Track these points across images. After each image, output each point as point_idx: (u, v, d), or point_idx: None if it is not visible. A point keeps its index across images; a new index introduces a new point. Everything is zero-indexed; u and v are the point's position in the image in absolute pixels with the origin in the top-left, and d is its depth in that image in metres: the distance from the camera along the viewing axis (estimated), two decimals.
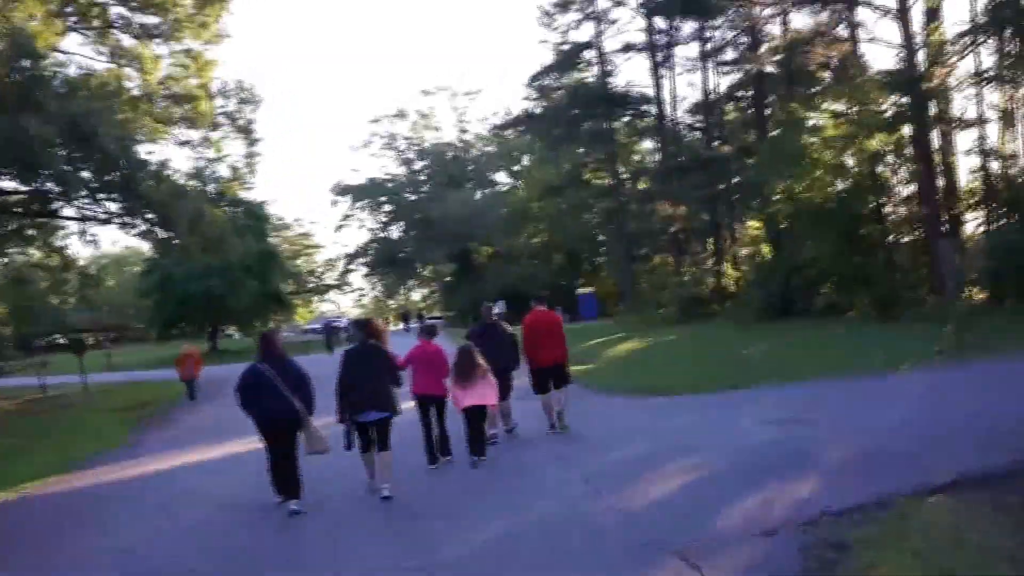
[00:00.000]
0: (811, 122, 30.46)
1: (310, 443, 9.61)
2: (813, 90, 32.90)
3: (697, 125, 42.92)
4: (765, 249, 36.23)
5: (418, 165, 77.19)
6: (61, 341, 38.67)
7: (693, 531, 7.39)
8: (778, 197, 30.50)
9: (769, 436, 11.11)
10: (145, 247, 54.78)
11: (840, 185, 28.07)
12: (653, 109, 41.85)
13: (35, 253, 36.75)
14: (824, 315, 27.74)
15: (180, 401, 25.80)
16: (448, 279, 78.57)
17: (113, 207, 29.06)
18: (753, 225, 39.03)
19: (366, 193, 75.28)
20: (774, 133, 32.99)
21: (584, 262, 65.95)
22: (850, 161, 27.95)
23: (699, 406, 14.80)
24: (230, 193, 37.68)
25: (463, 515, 8.98)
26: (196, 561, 8.30)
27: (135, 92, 31.49)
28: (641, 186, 46.43)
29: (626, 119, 45.96)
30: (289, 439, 9.61)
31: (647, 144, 54.03)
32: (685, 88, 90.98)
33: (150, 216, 28.49)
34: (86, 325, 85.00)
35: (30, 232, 32.55)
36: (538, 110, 46.60)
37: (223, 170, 37.27)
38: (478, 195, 73.11)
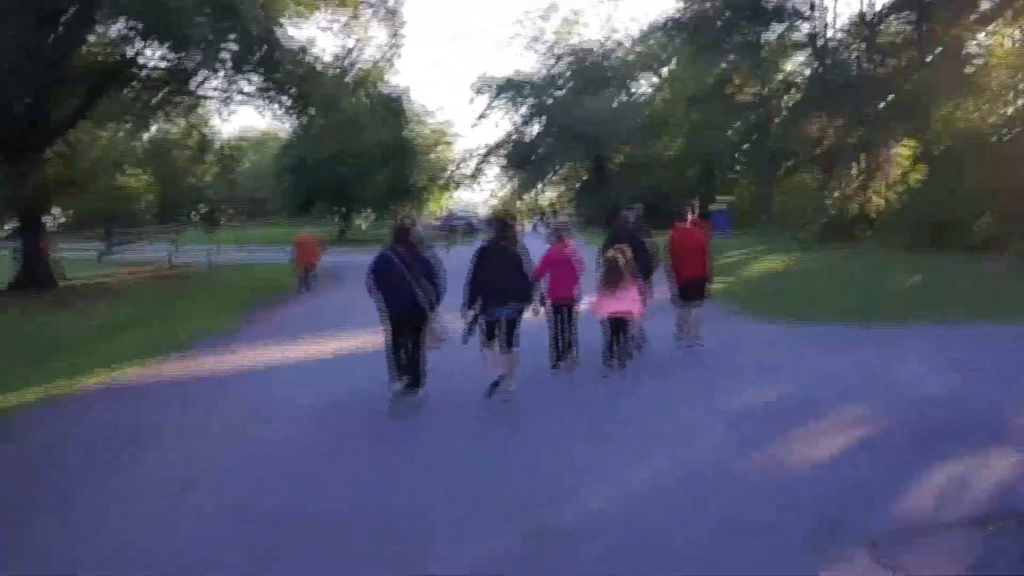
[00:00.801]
0: (974, 44, 28.27)
1: (428, 336, 9.67)
2: (981, 9, 30.42)
3: (852, 43, 40.30)
4: (916, 175, 34.11)
5: (561, 65, 75.27)
6: (199, 215, 39.15)
7: (875, 514, 5.90)
8: (938, 120, 28.40)
9: (947, 386, 9.70)
10: (283, 128, 55.51)
11: (1008, 111, 25.92)
12: (809, 19, 39.30)
13: (176, 128, 37.10)
14: (981, 249, 25.55)
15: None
16: (580, 183, 77.23)
17: (251, 86, 28.93)
18: (904, 150, 36.76)
19: (507, 89, 73.88)
20: (937, 52, 30.74)
21: (719, 176, 63.81)
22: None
23: (853, 340, 13.47)
24: (373, 79, 36.93)
25: (591, 455, 7.84)
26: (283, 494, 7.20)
27: None
28: (789, 101, 44.05)
29: (778, 31, 43.34)
30: (414, 328, 9.62)
31: (795, 59, 51.49)
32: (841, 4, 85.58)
33: (286, 96, 28.23)
34: (223, 201, 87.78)
35: (171, 106, 32.65)
36: (688, 15, 44.36)
37: (368, 55, 36.62)
38: (616, 101, 70.98)
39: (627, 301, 10.78)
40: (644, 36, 66.91)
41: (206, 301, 22.56)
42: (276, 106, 29.40)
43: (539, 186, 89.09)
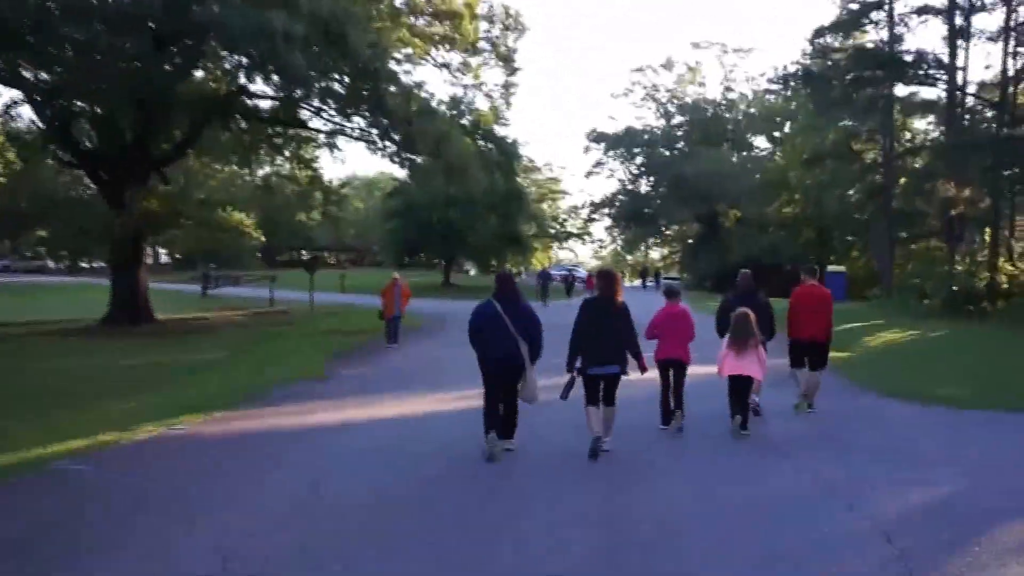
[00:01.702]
0: None
1: (524, 391, 9.56)
2: None
3: (987, 102, 37.89)
4: None
5: (677, 120, 73.89)
6: (302, 257, 38.45)
7: None
8: None
9: None
10: (395, 172, 55.02)
11: None
12: (943, 78, 37.01)
13: (284, 165, 36.53)
14: None
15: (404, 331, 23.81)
16: (691, 241, 75.31)
17: (360, 121, 28.06)
18: None
19: (620, 143, 72.86)
20: None
21: (835, 239, 61.30)
22: None
23: (1011, 429, 11.56)
24: (484, 124, 35.86)
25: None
26: None
27: (396, 2, 30.02)
28: (916, 163, 41.93)
29: (909, 89, 41.17)
30: (511, 380, 9.53)
31: (920, 123, 49.89)
32: (978, 63, 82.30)
33: (396, 135, 27.25)
34: (328, 244, 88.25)
35: (279, 141, 32.04)
36: (816, 67, 42.41)
37: (479, 101, 35.69)
38: (734, 158, 69.18)
39: (753, 361, 10.59)
40: (763, 93, 65.31)
41: (299, 345, 21.36)
42: (383, 146, 28.45)
43: (648, 242, 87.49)
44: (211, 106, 26.96)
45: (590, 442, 9.40)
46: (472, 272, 78.09)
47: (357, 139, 29.61)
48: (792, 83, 47.28)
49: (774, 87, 58.42)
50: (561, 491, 8.13)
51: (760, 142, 73.61)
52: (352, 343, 22.06)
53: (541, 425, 10.72)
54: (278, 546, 6.47)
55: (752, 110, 71.85)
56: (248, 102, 28.53)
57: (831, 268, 48.76)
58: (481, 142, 51.60)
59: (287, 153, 33.12)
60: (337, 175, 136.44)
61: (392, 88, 25.78)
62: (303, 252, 41.37)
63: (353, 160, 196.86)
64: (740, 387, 10.68)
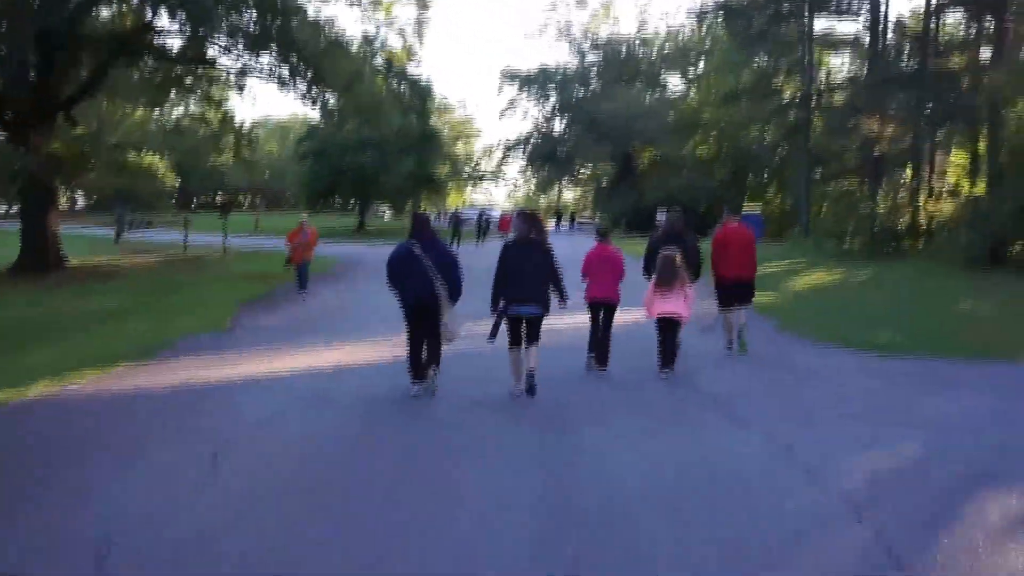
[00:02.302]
0: None
1: (442, 330, 9.45)
2: None
3: (908, 37, 37.47)
4: (979, 185, 31.50)
5: (591, 58, 72.83)
6: (217, 201, 36.91)
7: None
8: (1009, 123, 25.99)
9: None
10: (309, 114, 53.44)
11: None
12: (866, 8, 36.43)
13: (193, 106, 34.88)
14: None
15: (315, 276, 22.71)
16: (605, 182, 74.84)
17: (269, 59, 26.71)
18: (960, 155, 34.08)
19: (534, 82, 71.55)
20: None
21: (750, 179, 61.39)
22: None
23: (958, 381, 10.88)
24: (397, 63, 34.50)
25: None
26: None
27: None
28: (833, 101, 41.34)
29: (830, 23, 40.68)
30: (431, 320, 9.42)
31: (836, 60, 49.36)
32: None
33: (305, 72, 26.02)
34: (243, 187, 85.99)
35: (188, 81, 30.47)
36: (734, 2, 41.64)
37: (392, 39, 34.30)
38: (647, 98, 68.59)
39: (679, 302, 10.46)
40: (678, 30, 64.66)
41: (208, 292, 20.26)
42: (294, 85, 27.15)
43: (562, 183, 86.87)
44: (117, 44, 25.31)
45: (512, 385, 9.51)
46: (387, 216, 76.82)
47: (268, 78, 28.29)
48: (710, 17, 46.29)
49: (691, 22, 57.73)
50: (491, 452, 7.54)
51: (674, 81, 72.95)
52: (263, 290, 20.88)
53: (464, 373, 10.39)
54: (175, 527, 5.48)
55: (666, 48, 71.23)
56: (155, 40, 26.87)
57: (747, 209, 48.38)
58: (394, 82, 50.51)
59: (197, 93, 31.51)
60: (250, 117, 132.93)
61: (299, 23, 24.60)
62: (218, 195, 39.68)
63: (268, 102, 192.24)
64: (667, 327, 10.57)
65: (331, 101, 27.94)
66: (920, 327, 14.94)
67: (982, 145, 31.56)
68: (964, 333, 14.31)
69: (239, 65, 27.96)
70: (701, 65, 66.99)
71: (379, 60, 32.52)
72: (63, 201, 67.51)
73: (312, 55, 24.93)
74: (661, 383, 10.38)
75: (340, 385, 10.12)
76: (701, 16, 48.83)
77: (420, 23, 32.11)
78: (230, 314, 16.30)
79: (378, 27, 32.00)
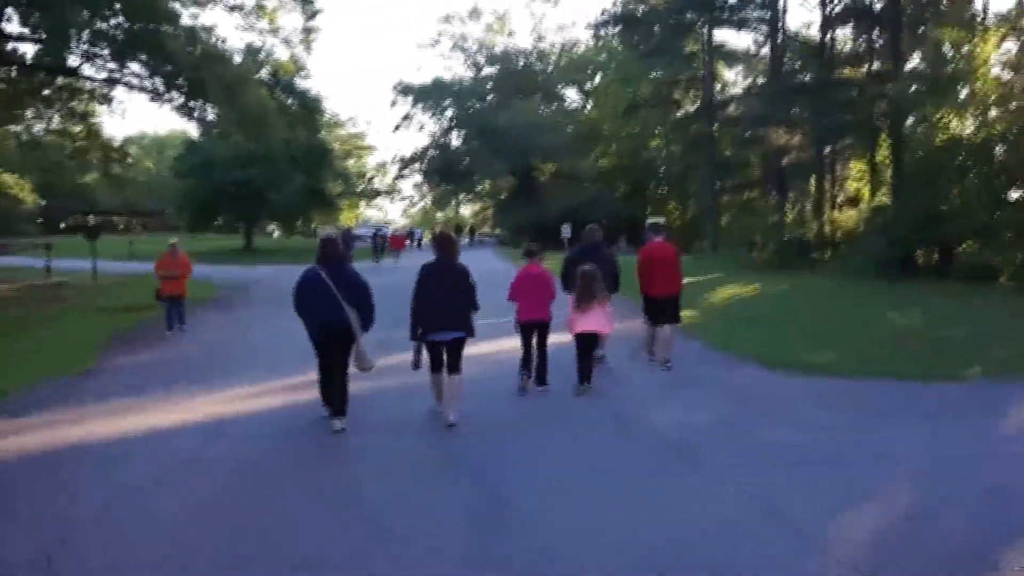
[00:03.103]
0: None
1: (357, 359, 9.17)
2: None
3: (808, 48, 37.56)
4: (880, 195, 31.27)
5: (487, 71, 71.81)
6: (87, 223, 34.35)
7: None
8: (919, 130, 25.92)
9: None
10: (189, 129, 51.00)
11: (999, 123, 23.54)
12: (765, 19, 36.21)
13: (56, 120, 32.47)
14: (966, 278, 22.72)
15: (193, 304, 20.50)
16: (504, 196, 73.87)
17: (138, 68, 24.78)
18: (859, 166, 33.98)
19: (429, 95, 69.98)
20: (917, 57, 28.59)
21: (650, 191, 61.04)
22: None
23: (919, 408, 9.89)
24: (284, 74, 32.64)
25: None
26: None
27: None
28: (732, 112, 41.03)
29: (727, 34, 40.68)
30: (340, 351, 9.12)
31: (729, 74, 49.59)
32: (796, 11, 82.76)
33: (180, 82, 24.18)
34: (117, 208, 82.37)
35: (47, 92, 28.21)
36: (640, 11, 41.05)
37: (278, 50, 32.54)
38: (545, 111, 67.67)
39: (600, 318, 10.58)
40: (574, 43, 64.05)
41: (67, 328, 18.17)
42: (168, 96, 25.31)
43: (459, 198, 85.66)
44: None
45: (435, 403, 9.53)
46: (276, 234, 74.43)
47: (139, 89, 26.33)
48: (610, 28, 45.55)
49: (589, 33, 57.32)
50: (414, 498, 6.83)
51: (572, 94, 72.45)
52: (135, 320, 18.93)
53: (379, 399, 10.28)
54: None
55: (563, 61, 70.66)
56: (5, 46, 24.65)
57: (650, 221, 47.83)
58: (282, 95, 48.69)
59: (57, 106, 29.20)
60: (123, 132, 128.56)
61: (172, 29, 22.78)
62: (88, 217, 37.22)
63: (143, 117, 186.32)
64: (587, 344, 10.70)
65: (210, 114, 26.15)
66: (855, 344, 14.06)
67: (882, 154, 31.50)
68: (902, 350, 13.41)
69: (104, 75, 26.08)
70: (598, 78, 66.49)
71: (265, 72, 30.90)
72: None
73: (188, 65, 23.13)
74: (601, 423, 9.37)
75: (221, 443, 8.66)
76: (598, 27, 47.91)
77: (307, 32, 30.42)
78: (93, 355, 14.42)
79: (262, 35, 30.33)
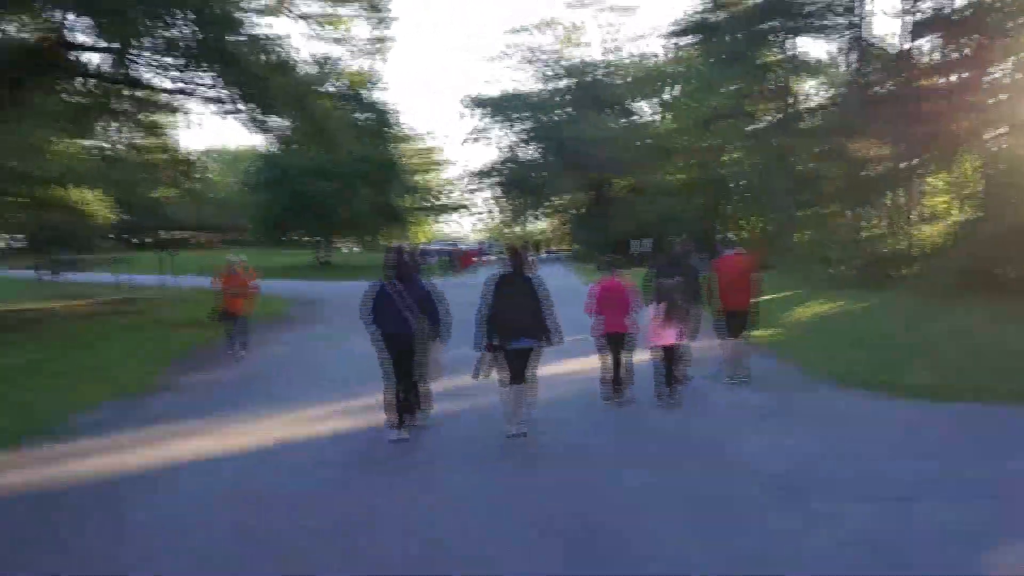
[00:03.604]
0: None
1: (427, 369, 9.55)
2: None
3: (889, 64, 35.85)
4: (967, 208, 29.77)
5: (560, 84, 70.80)
6: (161, 238, 34.19)
7: None
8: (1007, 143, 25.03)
9: None
10: (258, 142, 50.73)
11: None
12: (849, 25, 34.52)
13: (128, 134, 32.24)
14: None
15: (261, 323, 20.24)
16: (577, 211, 72.88)
17: (208, 78, 24.31)
18: (942, 178, 32.20)
19: (501, 107, 69.38)
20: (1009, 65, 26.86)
21: (724, 205, 59.44)
22: None
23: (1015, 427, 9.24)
24: (356, 86, 32.04)
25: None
26: None
27: None
28: (817, 124, 39.16)
29: (806, 42, 38.94)
30: (407, 359, 9.41)
31: (810, 83, 47.34)
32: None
33: (248, 93, 23.64)
34: (190, 223, 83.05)
35: (117, 105, 27.89)
36: (718, 18, 39.61)
37: (349, 59, 31.87)
38: (619, 124, 66.78)
39: (681, 331, 10.86)
40: (648, 56, 62.76)
41: (133, 344, 17.80)
42: (237, 108, 24.83)
43: (532, 213, 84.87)
44: (24, 61, 22.82)
45: (506, 428, 9.34)
46: (353, 249, 74.13)
47: (208, 100, 25.94)
48: (685, 37, 44.02)
49: (667, 42, 55.64)
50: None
51: (645, 107, 70.86)
52: (201, 337, 18.64)
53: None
54: None
55: (637, 74, 69.21)
56: (73, 56, 24.33)
57: (723, 236, 46.29)
58: (354, 107, 48.33)
59: (129, 118, 28.89)
60: (201, 146, 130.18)
61: (242, 38, 22.32)
62: (162, 233, 37.12)
63: (216, 131, 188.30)
64: (667, 356, 10.86)
65: (279, 125, 25.62)
66: (958, 364, 13.12)
67: (967, 167, 30.08)
68: (1006, 371, 12.31)
69: (174, 86, 25.70)
70: (676, 90, 65.01)
71: (335, 84, 30.37)
72: None
73: (258, 76, 22.61)
74: (697, 452, 8.83)
75: (281, 470, 8.32)
76: (673, 36, 46.16)
77: (379, 41, 29.67)
78: (155, 373, 14.09)
79: (334, 46, 29.74)
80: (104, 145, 33.40)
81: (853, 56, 34.78)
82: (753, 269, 12.68)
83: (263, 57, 23.04)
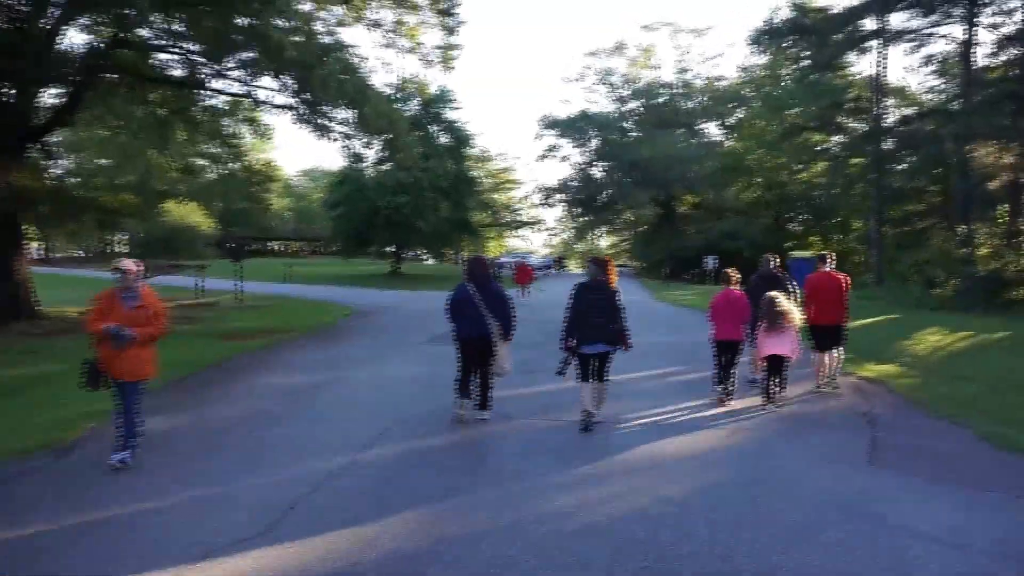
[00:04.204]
0: None
1: (496, 365, 9.45)
2: None
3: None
4: None
5: (631, 105, 67.12)
6: (229, 245, 32.12)
7: None
8: None
9: None
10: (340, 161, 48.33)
11: None
12: (956, 19, 28.70)
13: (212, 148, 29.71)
14: None
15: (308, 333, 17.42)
16: (644, 227, 69.28)
17: (272, 82, 21.47)
18: None
19: (574, 127, 65.79)
20: None
21: (793, 222, 55.36)
22: None
23: None
24: (422, 93, 29.32)
25: None
26: None
27: None
28: (908, 129, 32.77)
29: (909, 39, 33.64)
30: (483, 357, 9.43)
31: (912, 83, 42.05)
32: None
33: (298, 86, 20.73)
34: (288, 235, 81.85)
35: (196, 114, 25.26)
36: (810, 18, 34.52)
37: (417, 68, 28.99)
38: (688, 142, 62.39)
39: (788, 342, 10.10)
40: (717, 79, 59.07)
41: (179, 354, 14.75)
42: (302, 108, 22.05)
43: (600, 230, 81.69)
44: (88, 63, 20.17)
45: (581, 416, 9.08)
46: (429, 261, 71.68)
47: (278, 108, 23.14)
48: (783, 36, 37.37)
49: (735, 67, 51.55)
50: None
51: (713, 129, 66.58)
52: (236, 350, 15.62)
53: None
54: None
55: (703, 97, 65.31)
56: (130, 54, 21.55)
57: (797, 254, 41.66)
58: (431, 124, 45.62)
59: (202, 126, 26.16)
60: (296, 167, 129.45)
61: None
62: (231, 242, 35.26)
63: (316, 153, 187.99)
64: (775, 365, 10.24)
65: (342, 122, 22.67)
66: None
67: None
68: None
69: (238, 89, 22.98)
70: (741, 113, 61.03)
71: (412, 101, 27.40)
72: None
73: (299, 67, 19.72)
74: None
75: None
76: (758, 38, 38.50)
77: (448, 47, 26.41)
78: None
79: (403, 56, 26.80)
80: (186, 157, 31.12)
81: (976, 51, 28.70)
82: (846, 287, 11.67)
83: (314, 52, 20.14)
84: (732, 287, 10.81)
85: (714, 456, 7.89)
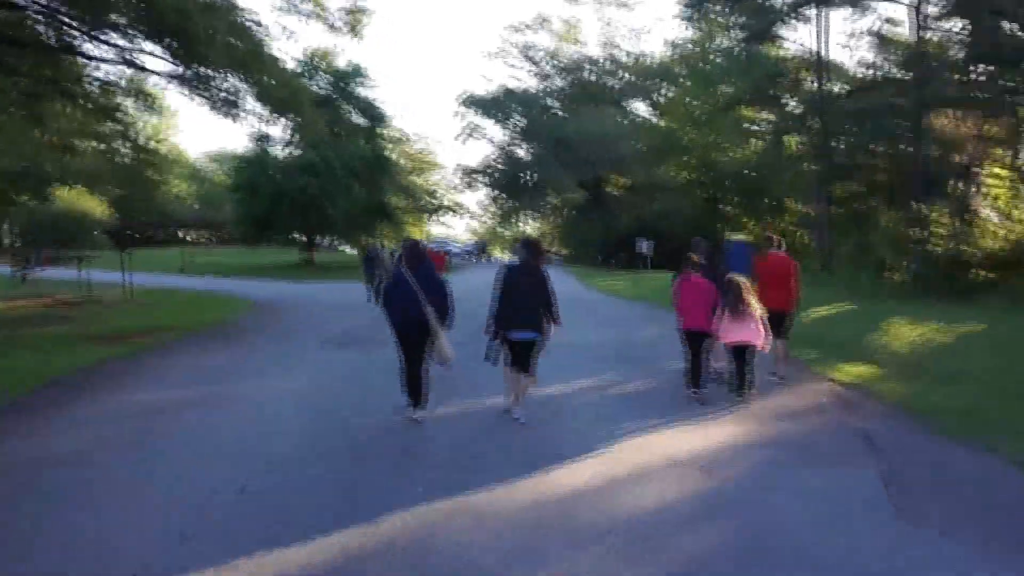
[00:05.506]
0: None
1: (436, 353, 9.11)
2: None
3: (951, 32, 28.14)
4: None
5: (557, 82, 65.50)
6: (125, 234, 29.67)
7: None
8: None
9: None
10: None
11: None
12: None
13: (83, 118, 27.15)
14: None
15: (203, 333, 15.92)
16: (572, 211, 67.68)
17: (155, 48, 19.30)
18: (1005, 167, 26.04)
19: (496, 105, 63.98)
20: None
21: (726, 202, 54.17)
22: None
23: None
24: (321, 59, 27.13)
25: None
26: None
27: None
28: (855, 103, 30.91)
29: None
30: (419, 345, 9.09)
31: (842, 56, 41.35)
32: None
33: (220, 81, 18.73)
34: (190, 221, 78.50)
35: (69, 86, 22.81)
36: None
37: (322, 36, 26.91)
38: (617, 121, 60.86)
39: (752, 329, 9.82)
40: (644, 56, 57.79)
41: (25, 361, 12.57)
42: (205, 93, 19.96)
43: (525, 214, 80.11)
44: None
45: (504, 400, 9.25)
46: (346, 249, 69.05)
47: (158, 74, 20.99)
48: (709, 5, 36.64)
49: (661, 43, 50.25)
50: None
51: (642, 107, 65.30)
52: (109, 355, 13.52)
53: None
54: None
55: (631, 75, 63.99)
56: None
57: (735, 237, 40.21)
58: (345, 105, 43.41)
59: (75, 95, 23.67)
60: (199, 150, 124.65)
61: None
62: (116, 230, 32.65)
63: (221, 135, 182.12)
64: (739, 353, 10.00)
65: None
66: None
67: None
68: None
69: (121, 57, 20.70)
70: (667, 91, 59.96)
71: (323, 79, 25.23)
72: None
73: (232, 54, 17.72)
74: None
75: None
76: (695, 4, 37.48)
77: (354, 13, 24.28)
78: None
79: (305, 21, 24.54)
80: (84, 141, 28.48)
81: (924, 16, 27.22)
82: (796, 271, 11.65)
83: (231, 38, 18.11)
84: (692, 272, 10.37)
85: (690, 510, 6.20)
